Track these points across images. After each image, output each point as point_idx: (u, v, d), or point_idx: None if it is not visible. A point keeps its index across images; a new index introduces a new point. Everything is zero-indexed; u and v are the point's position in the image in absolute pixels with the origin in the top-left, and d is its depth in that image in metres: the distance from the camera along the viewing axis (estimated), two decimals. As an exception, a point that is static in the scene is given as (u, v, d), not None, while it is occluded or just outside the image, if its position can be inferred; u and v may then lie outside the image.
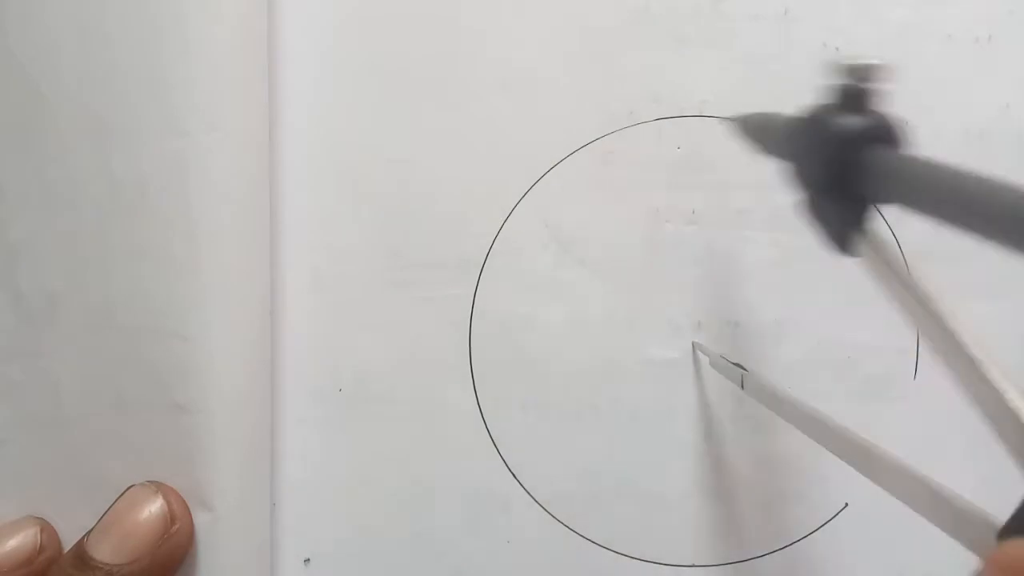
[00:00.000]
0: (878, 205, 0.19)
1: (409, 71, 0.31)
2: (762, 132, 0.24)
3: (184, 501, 0.25)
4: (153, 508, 0.24)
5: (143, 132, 0.26)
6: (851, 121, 0.18)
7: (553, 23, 0.32)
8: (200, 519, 0.26)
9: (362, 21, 0.31)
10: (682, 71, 0.32)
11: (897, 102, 0.34)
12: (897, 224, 0.31)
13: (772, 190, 0.32)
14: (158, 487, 0.25)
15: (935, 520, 0.16)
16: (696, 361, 0.32)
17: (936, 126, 0.32)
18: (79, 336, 0.26)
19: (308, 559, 0.31)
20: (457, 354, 0.31)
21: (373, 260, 0.31)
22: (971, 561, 0.14)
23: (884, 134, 0.18)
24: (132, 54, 0.26)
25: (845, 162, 0.18)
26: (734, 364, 0.29)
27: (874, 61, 0.18)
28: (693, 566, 0.31)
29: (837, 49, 0.32)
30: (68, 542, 0.25)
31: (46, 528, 0.25)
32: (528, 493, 0.31)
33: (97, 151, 0.26)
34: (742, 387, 0.28)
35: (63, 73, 0.26)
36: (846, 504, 0.31)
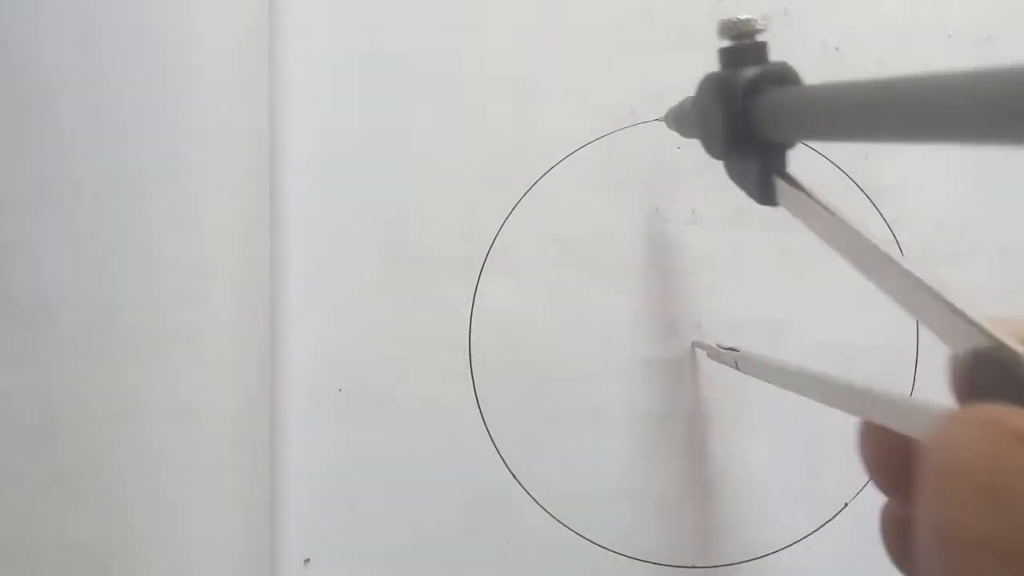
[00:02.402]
0: (788, 147, 0.20)
1: (409, 71, 0.31)
2: (681, 118, 0.25)
3: None
4: None
5: (143, 132, 0.26)
6: (740, 73, 0.20)
7: (553, 23, 0.32)
8: (199, 519, 0.26)
9: (363, 21, 0.31)
10: (682, 71, 0.32)
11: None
12: (897, 223, 0.31)
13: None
14: None
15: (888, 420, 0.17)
16: (695, 361, 0.32)
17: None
18: (75, 340, 0.25)
19: (308, 559, 0.31)
20: (457, 354, 0.31)
21: (373, 260, 0.31)
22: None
23: (775, 79, 0.19)
24: (132, 52, 0.25)
25: (744, 112, 0.19)
26: (727, 349, 0.29)
27: (748, 16, 0.20)
28: (693, 567, 0.31)
29: (837, 49, 0.32)
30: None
31: None
32: (528, 493, 0.31)
33: (97, 151, 0.26)
34: (736, 367, 0.28)
35: (62, 71, 0.25)
36: (846, 504, 0.31)
